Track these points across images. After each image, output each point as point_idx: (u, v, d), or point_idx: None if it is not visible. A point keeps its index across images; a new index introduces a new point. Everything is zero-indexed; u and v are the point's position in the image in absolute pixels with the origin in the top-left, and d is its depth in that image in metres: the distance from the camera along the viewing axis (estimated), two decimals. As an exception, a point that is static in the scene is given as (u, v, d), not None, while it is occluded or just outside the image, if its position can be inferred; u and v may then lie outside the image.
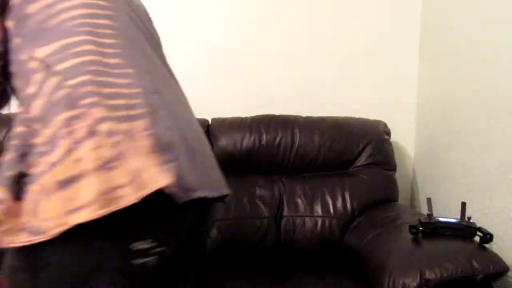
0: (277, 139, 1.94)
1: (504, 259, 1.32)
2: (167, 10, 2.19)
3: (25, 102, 0.87)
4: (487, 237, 1.38)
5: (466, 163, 1.71)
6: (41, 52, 0.87)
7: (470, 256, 1.31)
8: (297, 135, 1.98)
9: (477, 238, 1.42)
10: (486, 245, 1.39)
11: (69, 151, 0.80)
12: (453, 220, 1.46)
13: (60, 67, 0.85)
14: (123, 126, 0.83)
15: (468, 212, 1.48)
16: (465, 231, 1.43)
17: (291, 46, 2.20)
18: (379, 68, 2.20)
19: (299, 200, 1.88)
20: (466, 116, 1.73)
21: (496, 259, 1.32)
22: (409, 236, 1.47)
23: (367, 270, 1.52)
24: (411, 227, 1.47)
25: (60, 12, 0.89)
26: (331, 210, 1.88)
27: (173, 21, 2.17)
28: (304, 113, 2.07)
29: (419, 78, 2.17)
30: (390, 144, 2.03)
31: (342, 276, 1.71)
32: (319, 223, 1.86)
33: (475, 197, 1.61)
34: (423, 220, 1.47)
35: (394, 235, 1.57)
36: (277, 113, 2.03)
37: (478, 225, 1.44)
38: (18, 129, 0.86)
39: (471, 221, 1.45)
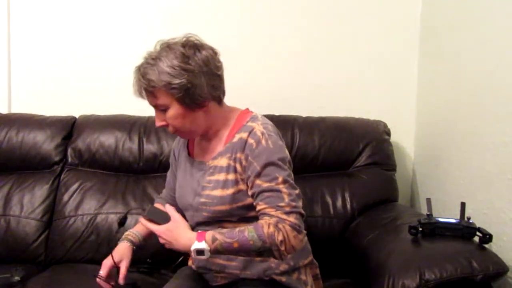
0: (277, 139, 1.93)
1: (504, 259, 1.32)
2: (169, 11, 2.20)
3: None
4: (487, 237, 1.38)
5: (466, 163, 1.71)
6: None
7: (469, 256, 1.31)
8: (297, 135, 1.98)
9: (476, 238, 1.42)
10: (486, 245, 1.39)
11: None
12: (453, 221, 1.46)
13: None
14: None
15: (467, 212, 1.48)
16: (464, 231, 1.43)
17: (290, 47, 2.20)
18: (379, 68, 2.20)
19: (299, 200, 1.88)
20: (466, 117, 1.73)
21: (495, 259, 1.32)
22: (409, 237, 1.47)
23: (367, 270, 1.52)
24: (410, 227, 1.47)
25: None
26: (331, 211, 1.88)
27: (172, 22, 2.19)
28: (304, 113, 2.07)
29: (419, 78, 2.17)
30: (390, 144, 2.03)
31: (342, 276, 1.71)
32: (319, 223, 1.86)
33: (475, 197, 1.61)
34: (422, 221, 1.47)
35: (393, 235, 1.57)
36: (277, 113, 2.03)
37: (478, 225, 1.44)
38: None
39: (470, 221, 1.45)
